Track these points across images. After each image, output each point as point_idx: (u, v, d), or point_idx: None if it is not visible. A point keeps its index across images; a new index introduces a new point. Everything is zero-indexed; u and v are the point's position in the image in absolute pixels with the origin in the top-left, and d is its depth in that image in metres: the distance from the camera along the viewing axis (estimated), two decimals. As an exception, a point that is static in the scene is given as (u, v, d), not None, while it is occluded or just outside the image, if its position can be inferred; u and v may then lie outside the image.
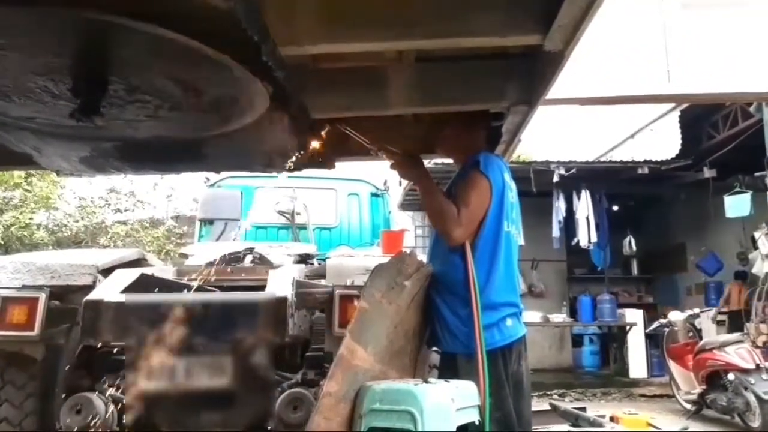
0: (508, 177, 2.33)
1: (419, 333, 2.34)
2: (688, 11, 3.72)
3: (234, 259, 4.47)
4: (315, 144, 2.46)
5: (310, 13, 1.71)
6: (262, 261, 4.38)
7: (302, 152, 2.41)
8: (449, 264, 2.23)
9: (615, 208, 10.60)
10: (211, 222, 6.74)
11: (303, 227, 6.19)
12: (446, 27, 1.71)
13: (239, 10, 1.38)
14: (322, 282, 3.63)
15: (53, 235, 12.95)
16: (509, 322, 2.21)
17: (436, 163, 6.61)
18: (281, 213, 6.23)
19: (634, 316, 9.52)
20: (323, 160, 2.70)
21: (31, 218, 12.14)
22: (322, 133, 2.41)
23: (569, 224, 9.55)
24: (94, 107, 1.83)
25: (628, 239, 10.79)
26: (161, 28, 1.47)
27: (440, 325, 2.26)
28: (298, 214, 6.22)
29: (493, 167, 2.25)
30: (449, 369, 2.18)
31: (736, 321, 7.53)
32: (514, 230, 2.34)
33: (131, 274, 3.22)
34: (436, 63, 2.24)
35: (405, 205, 11.23)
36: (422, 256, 2.46)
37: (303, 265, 4.04)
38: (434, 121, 2.51)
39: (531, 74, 2.13)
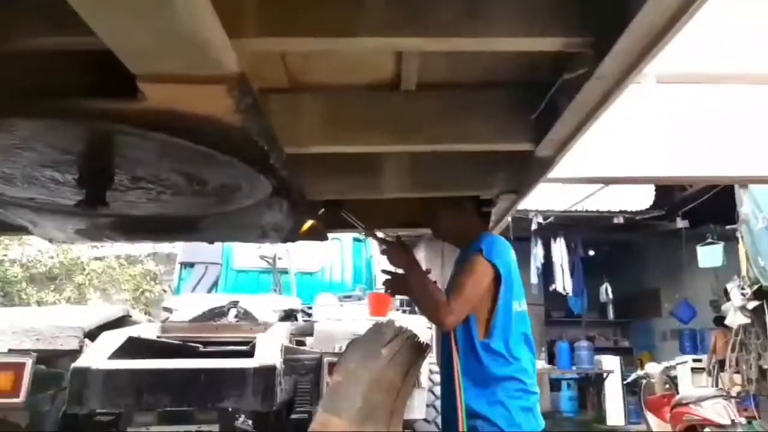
0: (513, 254, 2.33)
1: (398, 384, 2.32)
2: (663, 87, 3.91)
3: (218, 313, 4.48)
4: (310, 222, 2.52)
5: (313, 119, 1.80)
6: (247, 316, 4.40)
7: (298, 231, 2.47)
8: (483, 360, 2.21)
9: (591, 253, 10.78)
10: (191, 265, 6.72)
11: (285, 272, 6.19)
12: (443, 134, 1.81)
13: (253, 127, 1.46)
14: (309, 340, 3.67)
15: (27, 271, 12.72)
16: (538, 408, 2.25)
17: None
18: (263, 258, 6.22)
19: (611, 363, 9.61)
20: (316, 233, 2.77)
21: (5, 254, 11.93)
22: (318, 213, 2.47)
23: (547, 270, 9.70)
24: (99, 198, 1.87)
25: (604, 286, 10.95)
26: (175, 138, 1.54)
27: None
28: (280, 258, 6.22)
29: (498, 251, 2.23)
30: None
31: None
32: (525, 305, 2.34)
33: (118, 337, 3.21)
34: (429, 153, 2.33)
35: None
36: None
37: (289, 324, 4.06)
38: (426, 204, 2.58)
39: (521, 167, 2.23)
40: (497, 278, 2.21)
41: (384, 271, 2.46)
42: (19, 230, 2.66)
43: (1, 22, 1.40)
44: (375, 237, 2.41)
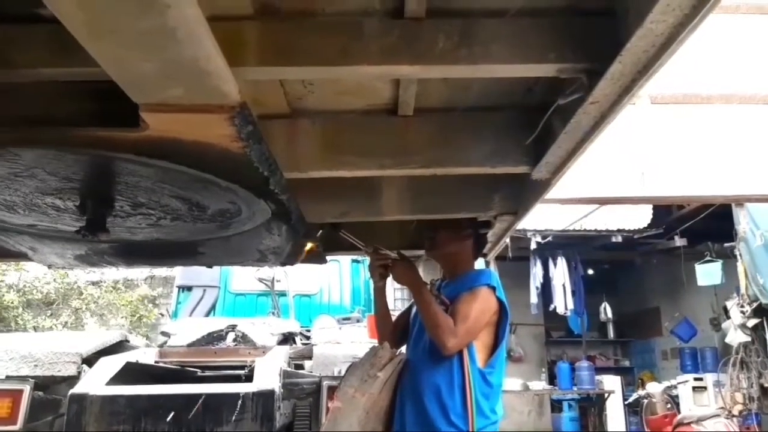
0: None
1: (390, 410, 2.34)
2: (657, 108, 3.96)
3: (216, 337, 4.46)
4: (309, 245, 2.53)
5: (312, 144, 1.82)
6: (245, 340, 4.38)
7: (297, 254, 2.48)
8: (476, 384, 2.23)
9: (590, 272, 10.76)
10: (189, 288, 6.69)
11: (283, 294, 6.17)
12: (440, 158, 1.84)
13: (253, 154, 1.47)
14: (308, 363, 3.65)
15: (24, 297, 12.65)
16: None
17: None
18: (261, 280, 6.21)
19: (612, 383, 9.53)
20: (315, 256, 2.77)
21: (1, 280, 11.88)
22: (317, 235, 2.48)
23: (546, 289, 9.67)
24: (100, 225, 1.88)
25: (603, 306, 10.92)
26: (177, 165, 1.55)
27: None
28: (278, 281, 6.20)
29: (501, 289, 2.26)
30: None
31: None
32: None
33: (116, 363, 3.20)
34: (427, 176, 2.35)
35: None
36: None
37: (288, 347, 4.04)
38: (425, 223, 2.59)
39: (518, 189, 2.25)
40: (501, 315, 2.25)
41: (382, 255, 2.39)
42: (19, 256, 2.66)
43: (4, 52, 1.42)
44: (378, 253, 2.35)
